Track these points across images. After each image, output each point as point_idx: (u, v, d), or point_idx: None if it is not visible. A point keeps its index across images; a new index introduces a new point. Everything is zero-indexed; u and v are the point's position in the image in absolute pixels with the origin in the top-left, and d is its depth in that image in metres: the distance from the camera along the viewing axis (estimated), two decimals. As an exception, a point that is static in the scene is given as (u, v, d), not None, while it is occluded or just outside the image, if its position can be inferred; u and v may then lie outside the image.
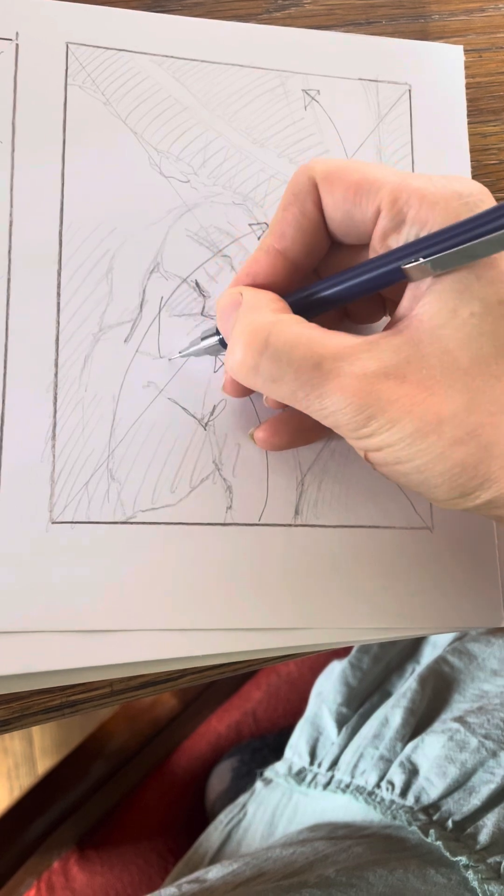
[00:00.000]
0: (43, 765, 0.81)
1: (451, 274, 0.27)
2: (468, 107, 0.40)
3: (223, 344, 0.32)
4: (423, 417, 0.26)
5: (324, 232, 0.30)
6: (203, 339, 0.33)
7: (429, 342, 0.27)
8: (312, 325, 0.28)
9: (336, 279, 0.29)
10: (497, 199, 0.39)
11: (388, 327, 0.28)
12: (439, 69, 0.39)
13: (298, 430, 0.33)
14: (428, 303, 0.27)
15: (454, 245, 0.26)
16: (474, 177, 0.39)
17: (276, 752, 0.61)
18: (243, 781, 0.70)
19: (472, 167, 0.39)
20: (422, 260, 0.26)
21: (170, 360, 0.34)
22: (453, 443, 0.26)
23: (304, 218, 0.29)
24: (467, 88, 0.40)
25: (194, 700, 0.75)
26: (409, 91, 0.39)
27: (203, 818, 0.72)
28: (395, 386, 0.26)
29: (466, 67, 0.40)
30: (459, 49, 0.40)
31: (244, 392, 0.33)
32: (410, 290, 0.28)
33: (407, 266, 0.27)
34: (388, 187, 0.27)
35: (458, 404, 0.26)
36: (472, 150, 0.39)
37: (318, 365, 0.27)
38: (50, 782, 0.74)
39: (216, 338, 0.32)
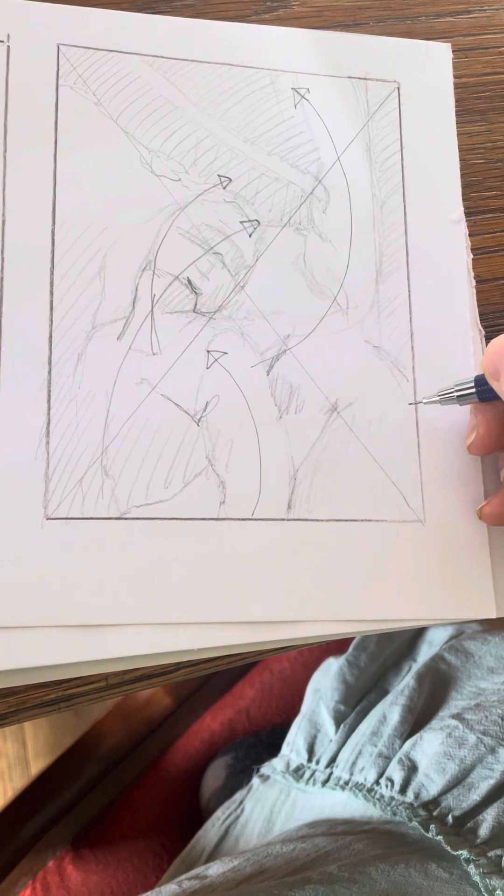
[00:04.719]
0: (36, 766, 0.81)
1: None
2: (454, 107, 0.40)
3: (482, 396, 0.34)
4: None
5: None
6: (459, 393, 0.34)
7: None
8: None
9: None
10: (482, 200, 0.40)
11: None
12: (428, 67, 0.40)
13: None
14: None
15: None
16: (462, 176, 0.39)
17: (270, 749, 0.62)
18: (238, 778, 0.70)
19: (460, 166, 0.39)
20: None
21: (424, 403, 0.36)
22: None
23: None
24: (454, 89, 0.40)
25: (188, 698, 0.75)
26: (398, 88, 0.39)
27: (198, 816, 0.72)
28: None
29: (453, 68, 0.41)
30: (447, 46, 0.40)
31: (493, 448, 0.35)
32: None
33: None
34: None
35: None
36: (459, 150, 0.40)
37: None
38: (44, 783, 0.74)
39: (472, 390, 0.34)
